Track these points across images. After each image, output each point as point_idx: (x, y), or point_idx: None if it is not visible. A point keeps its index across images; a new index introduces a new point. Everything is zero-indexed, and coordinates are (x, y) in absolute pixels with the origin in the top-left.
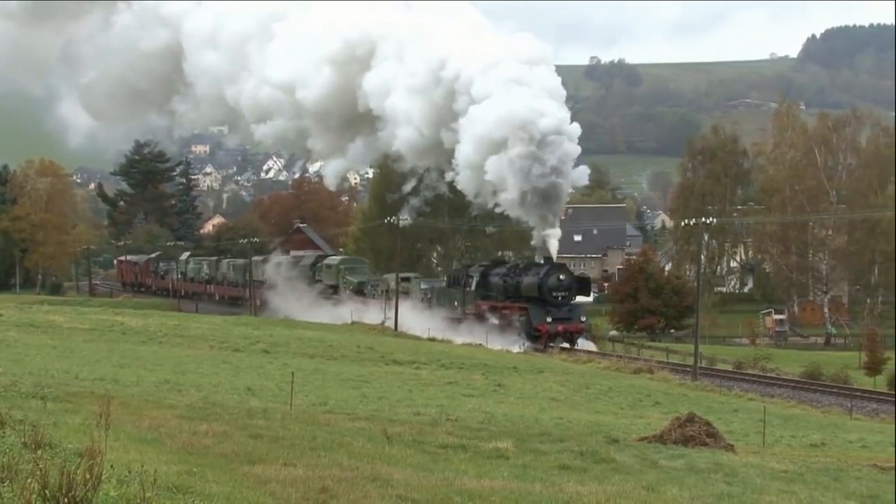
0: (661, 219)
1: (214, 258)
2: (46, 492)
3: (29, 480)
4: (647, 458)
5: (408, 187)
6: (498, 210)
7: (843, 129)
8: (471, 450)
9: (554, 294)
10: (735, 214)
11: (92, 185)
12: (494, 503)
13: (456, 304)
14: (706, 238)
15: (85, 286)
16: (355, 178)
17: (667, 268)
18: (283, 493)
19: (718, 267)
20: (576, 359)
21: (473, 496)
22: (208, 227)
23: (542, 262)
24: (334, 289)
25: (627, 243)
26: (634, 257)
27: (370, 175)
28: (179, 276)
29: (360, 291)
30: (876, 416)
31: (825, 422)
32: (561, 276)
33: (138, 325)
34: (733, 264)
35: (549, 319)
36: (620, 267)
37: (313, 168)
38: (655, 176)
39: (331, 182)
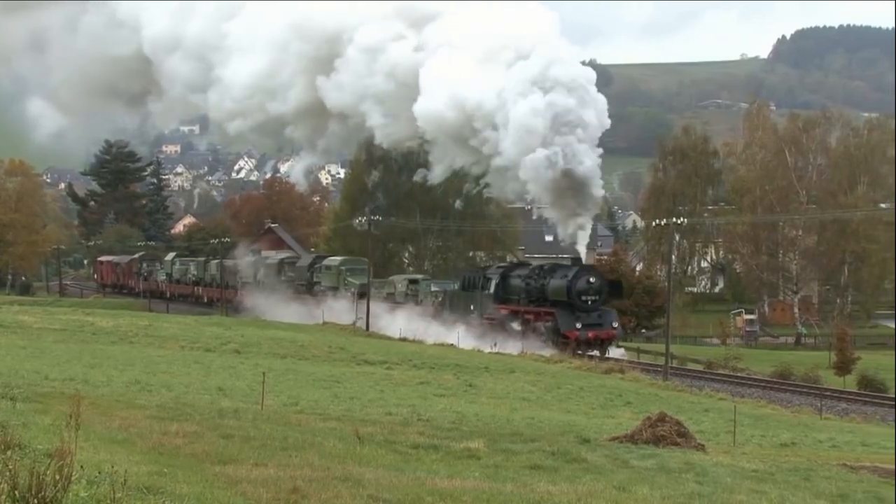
0: (633, 219)
1: (203, 259)
2: (16, 493)
3: None
4: (618, 458)
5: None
6: (534, 207)
7: (813, 129)
8: (442, 450)
9: (583, 298)
10: (706, 215)
11: (62, 185)
12: (466, 503)
13: (472, 308)
14: (677, 238)
15: (55, 286)
16: (327, 179)
17: (638, 268)
18: (254, 494)
19: (689, 267)
20: (547, 359)
21: (445, 496)
22: (179, 228)
23: (567, 262)
24: (334, 291)
25: (599, 243)
26: (606, 257)
27: (342, 175)
28: (165, 277)
29: (362, 294)
30: (846, 416)
31: (795, 421)
32: (591, 279)
33: (109, 326)
34: (704, 264)
35: (578, 325)
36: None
37: (284, 168)
38: (626, 176)
39: (300, 182)
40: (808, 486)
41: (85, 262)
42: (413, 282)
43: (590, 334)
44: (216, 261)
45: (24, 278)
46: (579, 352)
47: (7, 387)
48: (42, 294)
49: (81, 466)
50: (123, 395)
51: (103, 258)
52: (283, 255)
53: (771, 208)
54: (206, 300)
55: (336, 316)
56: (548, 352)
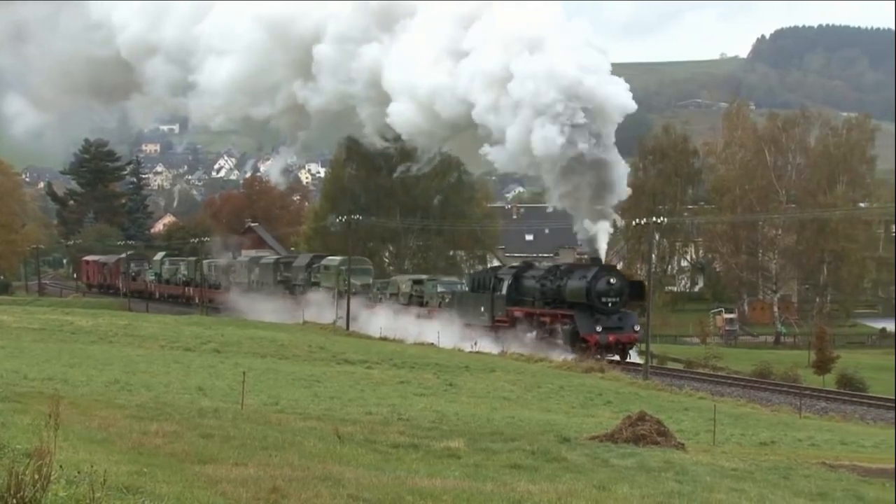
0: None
1: (194, 259)
2: None
3: None
4: (598, 457)
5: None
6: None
7: (792, 129)
8: (422, 449)
9: (603, 300)
10: (685, 214)
11: (41, 184)
12: (446, 502)
13: (483, 310)
14: (657, 237)
15: (34, 286)
16: (307, 178)
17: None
18: (234, 493)
19: (669, 266)
20: (527, 358)
21: (425, 495)
22: (159, 227)
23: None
24: (334, 291)
25: (579, 243)
26: (586, 256)
27: (322, 174)
28: (154, 277)
29: (361, 294)
30: (825, 415)
31: (775, 420)
32: (612, 280)
33: (88, 325)
34: (684, 263)
35: (598, 328)
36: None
37: (264, 167)
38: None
39: (277, 180)
40: (788, 485)
41: (64, 261)
42: (417, 282)
43: (610, 338)
44: (208, 260)
45: (2, 277)
46: (598, 356)
47: None
48: (21, 293)
49: (61, 466)
50: (103, 395)
51: (89, 258)
52: (278, 255)
53: (750, 208)
54: (196, 301)
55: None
56: (567, 356)
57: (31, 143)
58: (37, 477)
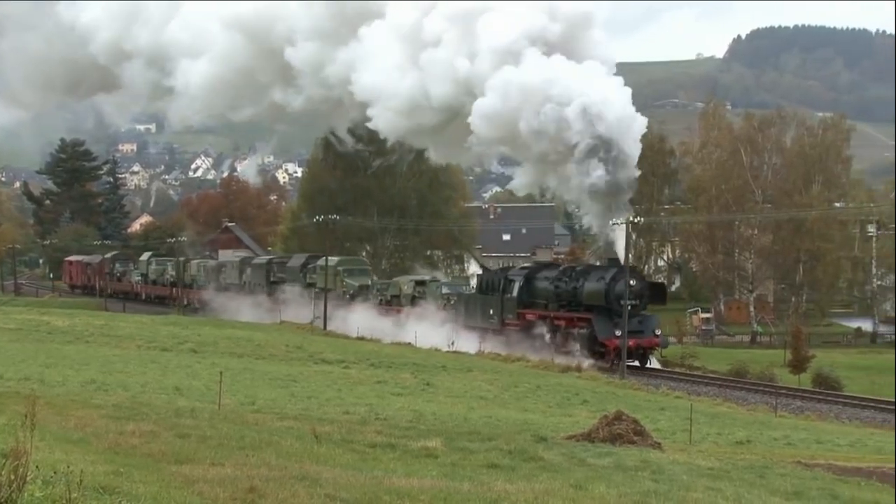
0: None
1: (182, 259)
2: None
3: None
4: (575, 457)
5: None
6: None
7: (768, 129)
8: (399, 449)
9: (622, 302)
10: (662, 214)
11: (17, 184)
12: (423, 502)
13: (492, 312)
14: (633, 237)
15: (10, 286)
16: (284, 178)
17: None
18: (210, 493)
19: (646, 266)
20: (504, 357)
21: (402, 495)
22: (136, 227)
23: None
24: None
25: (556, 242)
26: (563, 256)
27: (299, 174)
28: (140, 278)
29: (359, 296)
30: (801, 414)
31: (750, 419)
32: (631, 281)
33: (65, 325)
34: (660, 263)
35: (617, 333)
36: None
37: (241, 167)
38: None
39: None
40: (764, 484)
41: (41, 261)
42: (420, 283)
43: (631, 342)
44: (197, 261)
45: None
46: (616, 362)
47: None
48: None
49: (37, 466)
50: (79, 395)
51: (72, 258)
52: (271, 255)
53: (727, 207)
54: (185, 303)
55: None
56: (584, 361)
57: (6, 143)
58: (13, 477)
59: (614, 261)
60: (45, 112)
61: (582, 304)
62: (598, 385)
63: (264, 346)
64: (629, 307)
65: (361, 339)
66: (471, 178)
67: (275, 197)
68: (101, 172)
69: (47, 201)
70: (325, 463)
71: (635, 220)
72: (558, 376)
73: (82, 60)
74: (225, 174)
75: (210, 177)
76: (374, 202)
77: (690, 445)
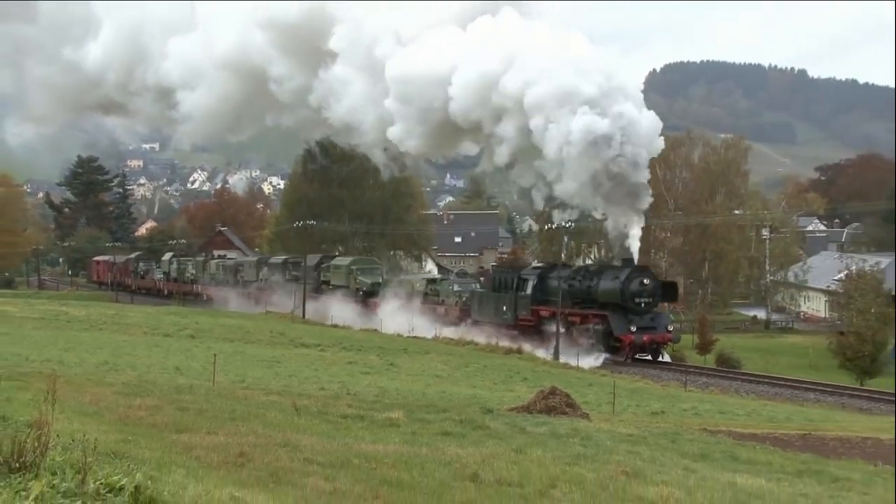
0: (529, 223)
1: (202, 258)
2: (0, 458)
3: None
4: (516, 426)
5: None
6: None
7: (679, 148)
8: (367, 419)
9: (637, 300)
10: (590, 219)
11: (40, 194)
12: (387, 464)
13: (505, 308)
14: (566, 239)
15: (34, 281)
16: (269, 189)
17: (533, 265)
18: (206, 458)
19: (576, 263)
20: (456, 341)
21: (369, 458)
22: (142, 230)
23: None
24: (344, 290)
25: (500, 244)
26: (506, 255)
27: (282, 186)
28: (162, 276)
29: (372, 293)
30: (706, 389)
31: (664, 393)
32: (645, 281)
33: (81, 315)
34: (589, 261)
35: (633, 329)
36: (494, 264)
37: (233, 180)
38: (524, 187)
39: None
40: (675, 448)
41: (60, 260)
42: (432, 281)
43: (645, 338)
44: (216, 260)
45: (6, 274)
46: (629, 356)
47: None
48: (23, 288)
49: (57, 435)
50: (93, 374)
51: (99, 258)
52: (286, 255)
53: (644, 214)
54: (205, 298)
55: (345, 314)
56: (599, 357)
57: (31, 159)
58: (36, 444)
59: (628, 261)
60: (64, 132)
61: (596, 302)
62: (535, 365)
63: (252, 333)
64: (642, 305)
65: (335, 326)
66: (427, 189)
67: (261, 205)
68: (113, 184)
69: (66, 209)
70: (304, 432)
71: (567, 225)
72: (502, 357)
73: (97, 92)
74: (218, 186)
75: (206, 188)
76: (345, 209)
77: (613, 416)
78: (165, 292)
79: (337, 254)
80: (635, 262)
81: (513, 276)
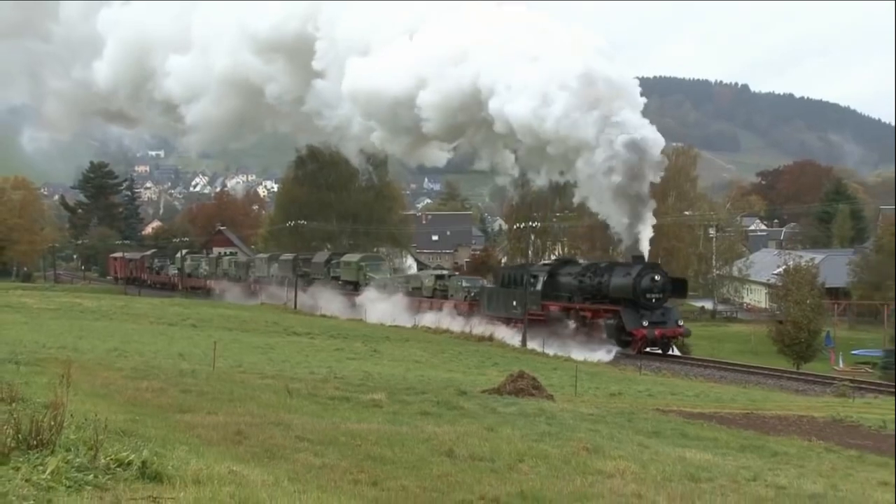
0: (499, 223)
1: (214, 255)
2: (19, 435)
3: (6, 427)
4: (487, 406)
5: None
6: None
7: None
8: (353, 401)
9: (648, 296)
10: (554, 220)
11: (56, 197)
12: (371, 441)
13: (515, 303)
14: (532, 237)
15: (51, 275)
16: (264, 192)
17: (503, 260)
18: (207, 436)
19: (542, 259)
20: (433, 330)
21: (355, 436)
22: (148, 230)
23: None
24: (354, 285)
25: (473, 242)
26: (479, 252)
27: (275, 189)
28: (176, 271)
29: (383, 287)
30: (659, 372)
31: (621, 377)
32: (656, 277)
33: (93, 306)
34: (553, 257)
35: (645, 323)
36: (467, 260)
37: (231, 183)
38: (495, 190)
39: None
40: (631, 426)
41: (74, 256)
42: (440, 277)
43: (657, 332)
44: (227, 257)
45: (26, 269)
46: (640, 350)
47: (13, 353)
48: (40, 282)
49: (71, 415)
50: (104, 360)
51: (116, 255)
52: (296, 253)
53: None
54: (217, 292)
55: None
56: (612, 351)
57: (48, 164)
58: (52, 423)
59: (639, 258)
60: (77, 141)
61: (607, 297)
62: (505, 351)
63: (249, 322)
64: (653, 300)
65: (324, 316)
66: (407, 192)
67: (256, 207)
68: (122, 188)
69: (79, 210)
70: (296, 412)
71: (534, 225)
72: (476, 344)
73: (108, 105)
74: (218, 189)
75: (206, 191)
76: (333, 210)
77: (576, 397)
78: (179, 287)
79: (325, 251)
80: (646, 259)
81: (522, 272)
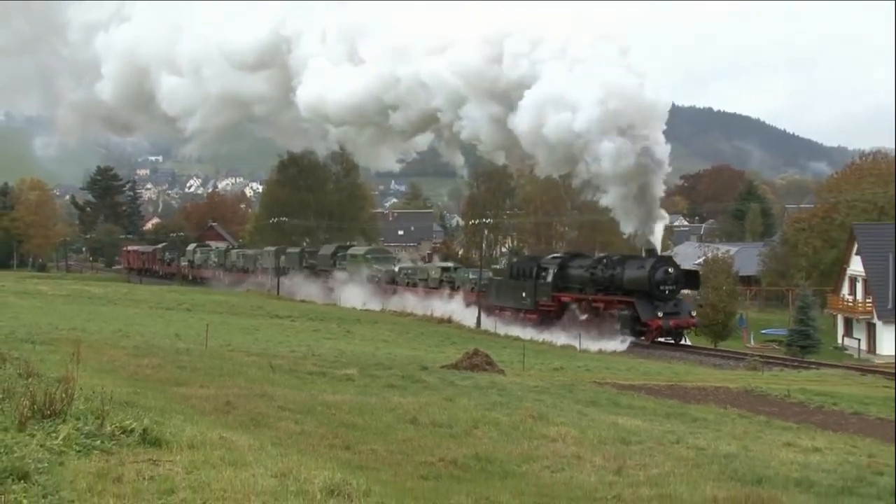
0: (457, 220)
1: (224, 248)
2: (35, 407)
3: (22, 399)
4: (446, 380)
5: None
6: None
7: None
8: (328, 375)
9: (661, 288)
10: (505, 217)
11: (67, 197)
12: (344, 411)
13: (524, 295)
14: (486, 232)
15: (63, 266)
16: (251, 192)
17: (460, 252)
18: (200, 406)
19: (494, 251)
20: (399, 313)
21: (330, 406)
22: (149, 226)
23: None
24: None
25: (434, 236)
26: (439, 245)
27: (260, 190)
28: (187, 263)
29: (392, 280)
30: (596, 351)
31: (563, 354)
32: (669, 269)
33: (100, 292)
34: (504, 250)
35: (659, 314)
36: (429, 252)
37: (222, 185)
38: (452, 190)
39: (229, 193)
40: (571, 396)
41: (83, 249)
42: (446, 269)
43: (671, 322)
44: (236, 249)
45: (41, 260)
46: (653, 339)
47: (29, 334)
48: (53, 271)
49: (80, 388)
50: (110, 340)
51: (130, 247)
52: (308, 246)
53: (547, 212)
54: (226, 282)
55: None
56: (626, 341)
57: (61, 168)
58: (64, 395)
59: (651, 252)
60: (85, 147)
61: (621, 289)
62: (463, 332)
63: (237, 306)
64: (667, 292)
65: (303, 301)
66: (376, 193)
67: (244, 205)
68: (125, 189)
69: (88, 209)
70: (278, 385)
71: (487, 221)
72: (436, 326)
73: (113, 117)
74: (210, 190)
75: (200, 192)
76: (311, 209)
77: (523, 371)
78: (189, 277)
79: (304, 245)
80: (658, 253)
81: (532, 264)
